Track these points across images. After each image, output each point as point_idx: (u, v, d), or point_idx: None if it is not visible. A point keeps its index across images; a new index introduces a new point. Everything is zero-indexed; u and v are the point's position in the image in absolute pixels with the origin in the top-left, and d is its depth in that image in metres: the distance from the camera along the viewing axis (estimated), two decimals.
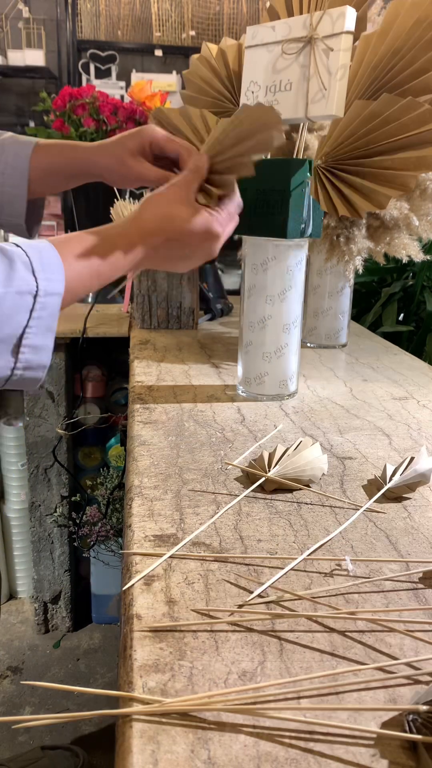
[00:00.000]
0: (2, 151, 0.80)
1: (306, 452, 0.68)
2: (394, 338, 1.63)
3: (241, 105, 0.87)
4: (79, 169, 0.78)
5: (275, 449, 0.68)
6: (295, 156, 0.90)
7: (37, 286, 0.53)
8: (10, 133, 0.84)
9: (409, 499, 0.64)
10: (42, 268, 0.54)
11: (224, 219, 0.67)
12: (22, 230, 0.82)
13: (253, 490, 0.64)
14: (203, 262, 0.69)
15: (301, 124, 0.89)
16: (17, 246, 0.54)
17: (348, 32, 0.74)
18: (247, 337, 0.90)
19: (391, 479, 0.64)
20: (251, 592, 0.47)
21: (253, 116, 0.62)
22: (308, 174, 0.80)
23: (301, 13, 0.81)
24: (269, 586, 0.48)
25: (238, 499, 0.62)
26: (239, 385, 0.94)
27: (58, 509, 1.76)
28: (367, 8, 0.77)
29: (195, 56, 0.94)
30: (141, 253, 0.62)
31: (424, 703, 0.36)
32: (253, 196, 0.83)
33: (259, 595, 0.47)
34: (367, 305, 1.82)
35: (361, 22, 0.76)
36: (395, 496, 0.64)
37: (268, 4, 0.85)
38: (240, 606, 0.46)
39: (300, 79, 0.79)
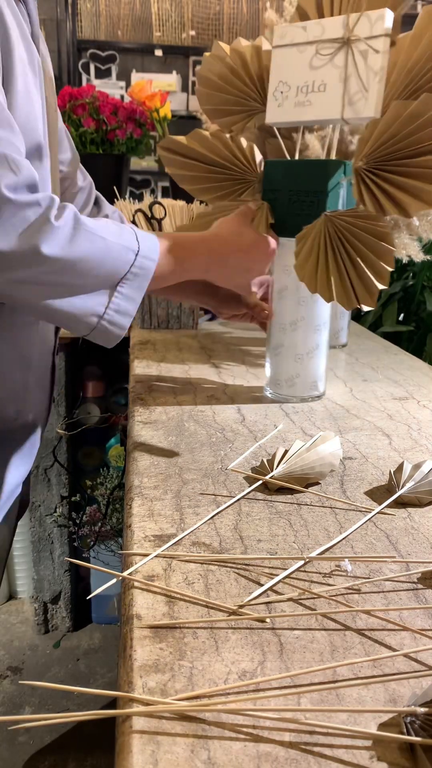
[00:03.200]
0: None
1: (321, 447, 0.68)
2: (394, 338, 1.63)
3: (268, 108, 0.86)
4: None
5: (291, 446, 0.68)
6: (297, 156, 0.90)
7: (138, 247, 0.67)
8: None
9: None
10: (143, 239, 0.68)
11: (273, 241, 0.83)
12: None
13: (254, 490, 0.63)
14: (257, 276, 0.83)
15: (302, 127, 0.89)
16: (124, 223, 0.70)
17: (387, 35, 0.75)
18: (278, 339, 0.89)
19: (404, 485, 0.64)
20: (251, 593, 0.47)
21: None
22: (343, 175, 0.81)
23: (331, 13, 0.81)
24: (269, 588, 0.48)
25: (236, 499, 0.62)
26: (267, 386, 0.93)
27: (58, 509, 1.76)
28: (401, 10, 0.77)
29: (208, 54, 0.93)
30: (216, 256, 0.78)
31: (422, 705, 0.36)
32: (285, 197, 0.83)
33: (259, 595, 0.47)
34: None
35: (395, 25, 0.76)
36: (403, 502, 0.63)
37: (295, 3, 0.85)
38: (240, 607, 0.46)
39: (336, 80, 0.79)
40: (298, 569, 0.50)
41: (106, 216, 0.98)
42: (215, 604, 0.45)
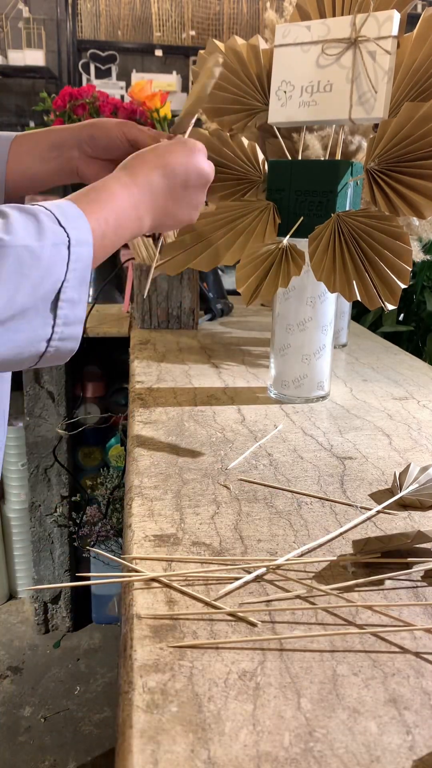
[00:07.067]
0: None
1: None
2: (394, 338, 1.63)
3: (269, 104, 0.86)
4: (58, 146, 0.72)
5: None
6: (300, 156, 0.90)
7: (68, 237, 0.51)
8: None
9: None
10: (66, 219, 0.52)
11: (210, 164, 0.69)
12: None
13: (251, 492, 0.64)
14: (202, 201, 0.69)
15: (303, 127, 0.89)
16: (34, 204, 0.53)
17: (395, 36, 0.75)
18: (284, 340, 0.89)
19: (407, 487, 0.64)
20: (251, 593, 0.47)
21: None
22: (350, 176, 0.81)
23: (334, 13, 0.80)
24: (261, 575, 0.48)
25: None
26: (272, 387, 0.93)
27: (58, 509, 1.76)
28: (407, 11, 0.77)
29: (202, 51, 0.92)
30: (159, 209, 0.62)
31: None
32: (291, 197, 0.83)
33: (259, 590, 0.47)
34: None
35: (401, 25, 0.76)
36: (405, 504, 0.63)
37: (295, 2, 0.85)
38: (217, 599, 0.46)
39: (342, 80, 0.79)
40: (299, 570, 0.50)
41: None
42: (212, 604, 0.45)
